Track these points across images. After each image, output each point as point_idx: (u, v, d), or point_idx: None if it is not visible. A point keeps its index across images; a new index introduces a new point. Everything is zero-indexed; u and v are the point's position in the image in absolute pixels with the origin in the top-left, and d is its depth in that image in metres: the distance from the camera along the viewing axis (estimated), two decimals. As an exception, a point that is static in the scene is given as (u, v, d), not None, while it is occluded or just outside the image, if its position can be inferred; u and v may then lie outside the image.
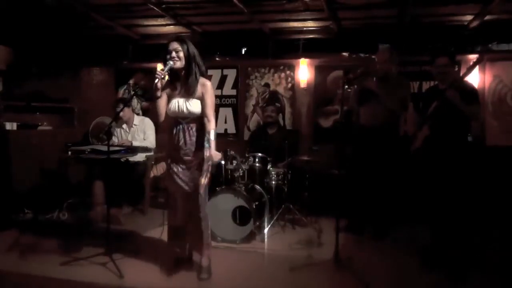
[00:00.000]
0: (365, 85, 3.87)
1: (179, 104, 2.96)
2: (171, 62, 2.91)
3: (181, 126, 3.00)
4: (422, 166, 3.60)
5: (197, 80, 2.98)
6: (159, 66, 5.84)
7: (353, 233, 4.00)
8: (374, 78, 3.89)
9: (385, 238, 3.92)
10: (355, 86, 3.49)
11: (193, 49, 2.99)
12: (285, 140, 4.42)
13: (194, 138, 3.00)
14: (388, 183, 3.92)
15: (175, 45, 2.95)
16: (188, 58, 2.95)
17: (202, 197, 2.96)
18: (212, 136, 2.96)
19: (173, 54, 2.92)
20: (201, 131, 3.02)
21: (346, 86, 3.44)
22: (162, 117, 3.04)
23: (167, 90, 3.04)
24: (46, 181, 5.00)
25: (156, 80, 2.87)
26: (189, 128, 3.00)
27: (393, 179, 3.96)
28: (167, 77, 3.04)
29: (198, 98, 2.98)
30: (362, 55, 4.85)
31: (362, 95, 3.97)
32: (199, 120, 3.01)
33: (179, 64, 2.93)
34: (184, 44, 2.96)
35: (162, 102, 3.01)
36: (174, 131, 3.02)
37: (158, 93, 2.96)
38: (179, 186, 3.02)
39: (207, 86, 3.01)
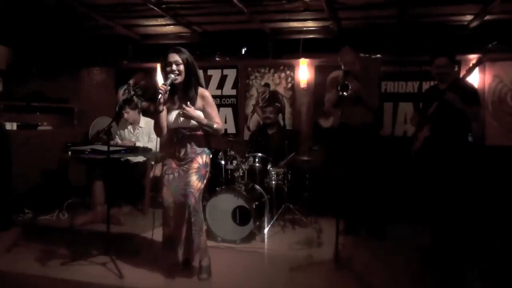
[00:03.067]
0: (353, 89, 3.82)
1: (179, 116, 2.94)
2: (172, 76, 2.87)
3: (181, 135, 2.98)
4: (422, 166, 3.61)
5: (196, 92, 2.97)
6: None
7: (351, 234, 4.00)
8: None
9: (382, 238, 3.91)
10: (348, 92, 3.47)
11: (192, 59, 2.96)
12: (285, 140, 4.42)
13: (195, 147, 2.99)
14: (374, 182, 3.90)
15: (175, 57, 2.90)
16: (188, 70, 2.93)
17: (196, 201, 2.92)
18: (214, 125, 2.95)
19: (174, 67, 2.89)
20: (202, 139, 3.02)
21: (344, 93, 3.41)
22: (165, 130, 3.02)
23: (167, 104, 3.02)
24: (46, 181, 5.01)
25: (159, 96, 2.83)
26: (191, 137, 2.99)
27: (379, 178, 3.95)
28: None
29: (198, 109, 2.95)
30: (362, 55, 4.82)
31: (340, 99, 3.90)
32: (200, 129, 2.99)
33: (180, 77, 2.91)
34: (183, 55, 2.93)
35: (163, 115, 2.98)
36: (175, 140, 3.00)
37: (161, 108, 2.92)
38: (173, 194, 2.99)
39: (207, 98, 2.99)
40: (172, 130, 3.02)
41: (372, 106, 3.92)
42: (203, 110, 2.98)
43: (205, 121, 2.93)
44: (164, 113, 2.98)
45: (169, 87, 2.87)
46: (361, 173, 3.88)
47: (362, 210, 3.99)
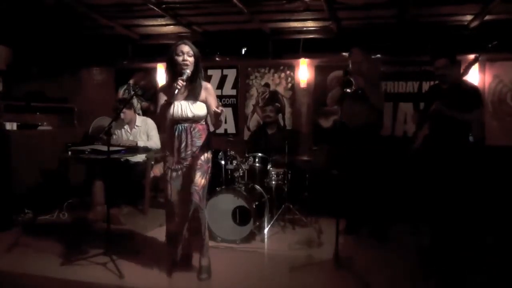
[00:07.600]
0: (357, 85, 3.81)
1: (182, 107, 2.95)
2: (188, 71, 2.90)
3: (183, 127, 2.99)
4: (422, 165, 3.60)
5: (201, 84, 3.01)
6: (161, 67, 5.86)
7: (351, 234, 4.00)
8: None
9: (384, 240, 3.89)
10: (352, 88, 3.47)
11: (198, 53, 3.01)
12: (285, 140, 4.42)
13: (196, 140, 3.00)
14: (376, 182, 3.89)
15: (187, 48, 2.94)
16: (196, 63, 2.97)
17: (200, 198, 2.94)
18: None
19: (186, 57, 2.92)
20: (203, 133, 3.03)
21: (347, 90, 3.43)
22: (167, 121, 3.03)
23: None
24: (46, 181, 5.00)
25: (176, 91, 2.84)
26: (192, 130, 2.99)
27: (381, 178, 3.93)
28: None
29: (201, 101, 3.00)
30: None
31: (342, 96, 3.90)
32: (201, 122, 3.02)
33: (190, 69, 2.93)
34: (193, 47, 2.98)
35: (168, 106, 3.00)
36: (176, 133, 3.00)
37: (172, 100, 2.94)
38: (176, 190, 3.00)
39: (209, 89, 3.06)
40: (173, 121, 3.01)
41: (377, 104, 3.88)
42: (206, 101, 3.02)
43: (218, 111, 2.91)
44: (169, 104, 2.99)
45: (185, 83, 2.90)
46: (363, 174, 3.87)
47: (365, 211, 3.99)
